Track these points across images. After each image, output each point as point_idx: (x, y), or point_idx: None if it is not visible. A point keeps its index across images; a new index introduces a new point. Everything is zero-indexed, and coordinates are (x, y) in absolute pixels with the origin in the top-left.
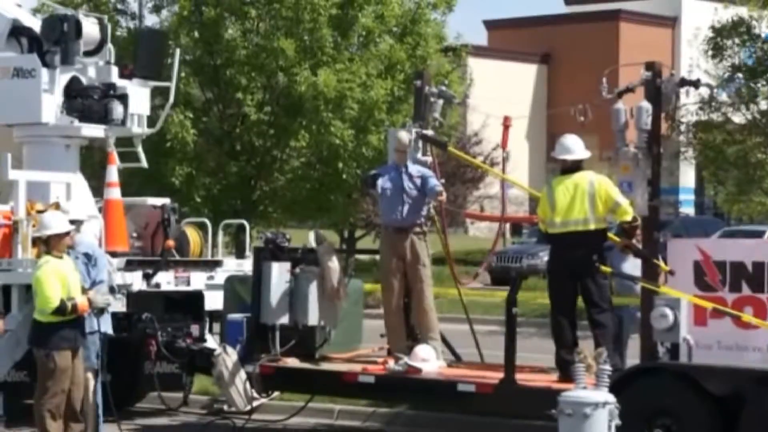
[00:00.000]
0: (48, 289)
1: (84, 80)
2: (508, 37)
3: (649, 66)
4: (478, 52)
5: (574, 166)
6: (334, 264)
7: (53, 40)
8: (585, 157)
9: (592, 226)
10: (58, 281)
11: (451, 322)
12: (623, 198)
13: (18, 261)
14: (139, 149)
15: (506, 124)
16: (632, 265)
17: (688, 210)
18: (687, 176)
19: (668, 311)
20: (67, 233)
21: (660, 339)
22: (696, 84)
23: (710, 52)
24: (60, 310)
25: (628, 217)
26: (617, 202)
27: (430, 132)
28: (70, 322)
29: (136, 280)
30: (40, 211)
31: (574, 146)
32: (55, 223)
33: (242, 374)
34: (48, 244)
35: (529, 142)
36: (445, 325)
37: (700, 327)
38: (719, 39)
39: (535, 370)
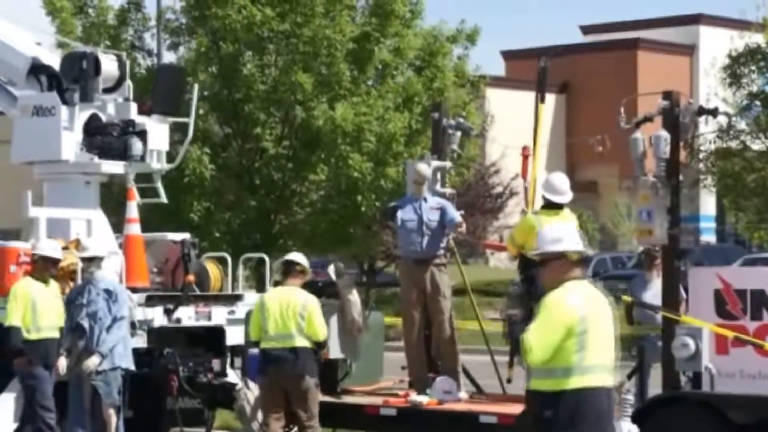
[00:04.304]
0: None
1: (103, 117)
2: (526, 68)
3: (667, 95)
4: (496, 82)
5: (558, 204)
6: (354, 297)
7: (72, 78)
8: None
9: None
10: None
11: (472, 354)
12: None
13: None
14: (159, 185)
15: (525, 153)
16: (653, 294)
17: (708, 238)
18: (707, 204)
19: (690, 340)
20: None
21: (682, 368)
22: (714, 112)
23: (728, 80)
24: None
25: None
26: None
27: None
28: None
29: (157, 316)
30: (63, 248)
31: (565, 187)
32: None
33: None
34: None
35: (549, 172)
36: (466, 357)
37: (722, 356)
38: (736, 67)
39: None
